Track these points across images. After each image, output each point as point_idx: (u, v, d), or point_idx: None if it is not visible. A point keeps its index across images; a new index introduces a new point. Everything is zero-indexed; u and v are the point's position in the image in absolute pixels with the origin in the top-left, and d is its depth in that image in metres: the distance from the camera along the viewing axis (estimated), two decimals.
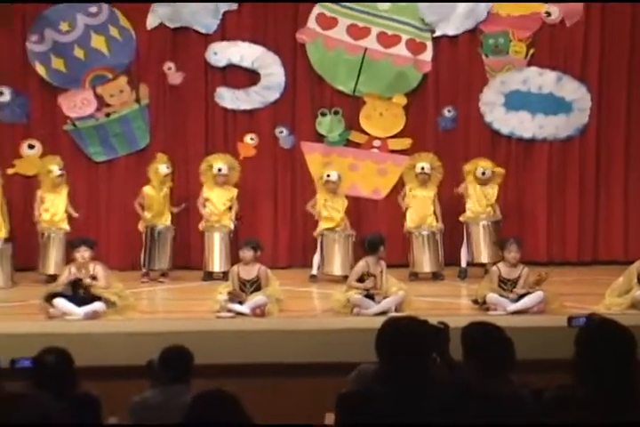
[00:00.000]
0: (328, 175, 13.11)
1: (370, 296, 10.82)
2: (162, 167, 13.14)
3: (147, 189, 13.15)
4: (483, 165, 13.17)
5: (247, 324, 10.41)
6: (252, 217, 13.75)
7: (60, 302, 10.73)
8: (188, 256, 13.44)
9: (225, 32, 13.83)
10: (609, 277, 11.58)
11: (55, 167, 13.06)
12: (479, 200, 13.04)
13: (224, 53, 13.82)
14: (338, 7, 13.77)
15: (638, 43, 13.84)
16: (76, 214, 12.99)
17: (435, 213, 13.05)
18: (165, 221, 13.15)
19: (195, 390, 6.14)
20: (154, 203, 13.10)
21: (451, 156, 13.47)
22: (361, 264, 11.21)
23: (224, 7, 13.72)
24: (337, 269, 12.75)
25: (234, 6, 13.75)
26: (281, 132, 13.95)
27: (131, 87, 13.83)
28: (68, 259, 11.72)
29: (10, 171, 13.35)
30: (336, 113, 13.91)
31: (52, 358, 6.53)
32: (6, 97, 13.72)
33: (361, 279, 11.00)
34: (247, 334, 9.77)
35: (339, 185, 13.13)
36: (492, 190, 13.15)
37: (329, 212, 13.01)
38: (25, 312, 11.15)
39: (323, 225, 12.99)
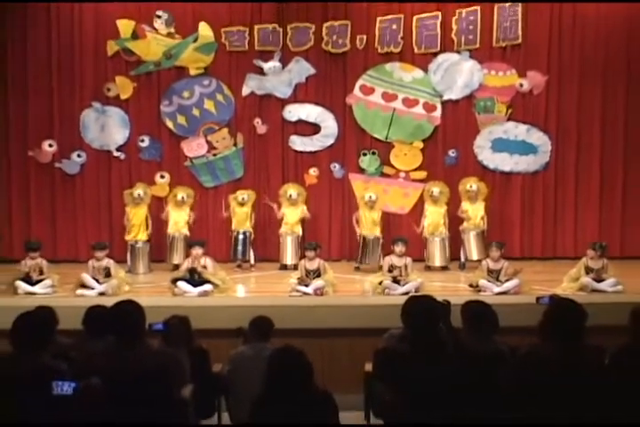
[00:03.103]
0: (370, 196, 13.07)
1: (396, 281, 10.84)
2: (239, 196, 13.20)
3: (232, 207, 13.21)
4: (470, 182, 13.16)
5: (310, 300, 10.39)
6: (314, 225, 13.72)
7: (182, 284, 10.81)
8: (269, 253, 13.41)
9: (296, 97, 13.82)
10: (564, 268, 11.49)
11: (180, 193, 13.17)
12: (473, 217, 12.94)
13: (295, 112, 13.82)
14: (375, 80, 13.74)
15: (583, 105, 13.67)
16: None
17: (444, 224, 12.98)
18: (248, 227, 13.11)
19: (273, 346, 6.15)
20: (237, 217, 13.13)
21: (454, 184, 13.34)
22: (386, 259, 11.41)
23: (296, 80, 13.75)
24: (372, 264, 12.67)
25: (303, 80, 13.78)
26: (334, 166, 13.92)
27: (231, 135, 13.87)
28: (187, 254, 11.79)
29: (148, 193, 13.42)
30: (373, 153, 13.86)
31: (177, 323, 6.58)
32: (146, 143, 13.83)
33: (390, 270, 11.05)
34: (310, 307, 9.76)
35: (375, 203, 13.07)
36: (480, 208, 13.04)
37: (366, 225, 12.95)
38: (157, 291, 11.21)
39: (363, 233, 12.93)
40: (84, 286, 10.83)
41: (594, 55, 13.62)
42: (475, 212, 13.00)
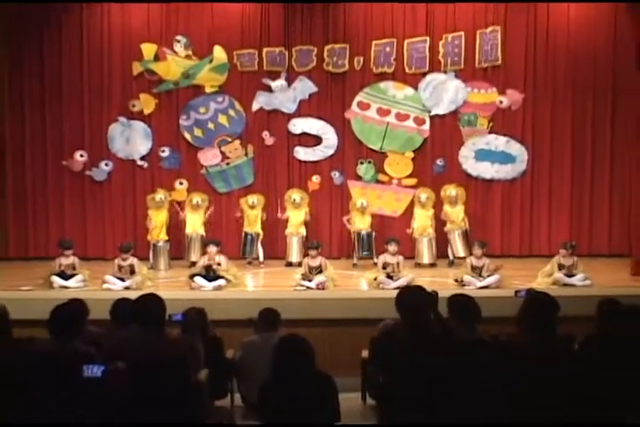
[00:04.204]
0: (362, 203, 13.09)
1: (390, 277, 10.84)
2: (249, 200, 13.20)
3: (244, 209, 13.20)
4: (450, 188, 13.15)
5: (313, 294, 10.40)
6: (317, 227, 13.70)
7: (198, 279, 10.83)
8: (276, 251, 13.40)
9: (300, 112, 13.82)
10: (539, 265, 11.50)
11: (196, 198, 13.18)
12: (455, 219, 12.92)
13: (300, 125, 13.82)
14: (370, 97, 13.75)
15: (556, 120, 13.68)
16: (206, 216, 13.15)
17: (431, 226, 12.96)
18: (257, 228, 13.10)
19: (280, 334, 6.14)
20: (248, 218, 13.11)
21: (441, 189, 13.36)
22: (380, 257, 11.39)
23: (300, 97, 13.76)
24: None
25: (306, 97, 13.78)
26: (335, 174, 13.90)
27: (242, 146, 13.87)
28: (203, 252, 11.79)
29: (168, 198, 13.44)
30: (370, 162, 13.85)
31: (194, 314, 6.58)
32: (166, 153, 13.83)
33: (384, 267, 11.05)
34: (313, 300, 9.77)
35: (366, 209, 13.07)
36: (461, 210, 13.01)
37: (359, 223, 12.98)
38: (177, 285, 11.23)
39: (354, 229, 12.94)
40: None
41: (564, 76, 13.66)
42: (456, 214, 12.98)
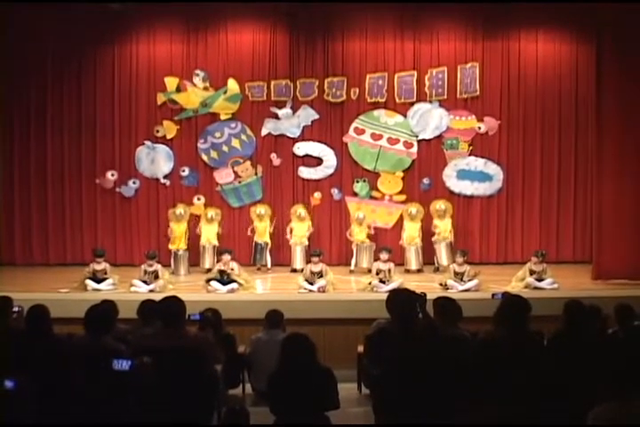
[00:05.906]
0: (358, 215, 13.11)
1: (382, 282, 10.84)
2: (257, 210, 13.20)
3: (254, 222, 13.19)
4: (439, 203, 13.21)
5: (315, 296, 10.41)
6: (318, 237, 13.66)
7: (214, 283, 10.83)
8: (282, 258, 13.38)
9: (304, 136, 13.83)
10: (513, 270, 11.52)
11: (210, 212, 13.17)
12: (442, 231, 12.92)
13: (303, 148, 13.82)
14: (365, 123, 13.78)
15: (527, 144, 13.72)
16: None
17: (419, 236, 12.95)
18: (266, 238, 13.06)
19: (285, 332, 6.14)
20: (257, 230, 13.07)
21: (428, 204, 13.34)
22: (374, 264, 11.39)
23: (303, 123, 13.77)
24: (365, 264, 12.63)
25: (309, 123, 13.81)
26: (334, 191, 13.88)
27: (252, 167, 13.86)
28: (217, 260, 11.78)
29: (187, 212, 13.44)
30: (365, 181, 13.85)
31: (210, 314, 6.59)
32: (186, 172, 13.83)
33: (377, 273, 11.05)
34: (314, 302, 9.78)
35: (363, 220, 13.08)
36: (448, 223, 13.04)
37: (358, 235, 12.98)
38: (195, 288, 11.22)
39: (355, 241, 12.94)
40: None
41: (534, 105, 13.72)
42: (444, 226, 12.99)
